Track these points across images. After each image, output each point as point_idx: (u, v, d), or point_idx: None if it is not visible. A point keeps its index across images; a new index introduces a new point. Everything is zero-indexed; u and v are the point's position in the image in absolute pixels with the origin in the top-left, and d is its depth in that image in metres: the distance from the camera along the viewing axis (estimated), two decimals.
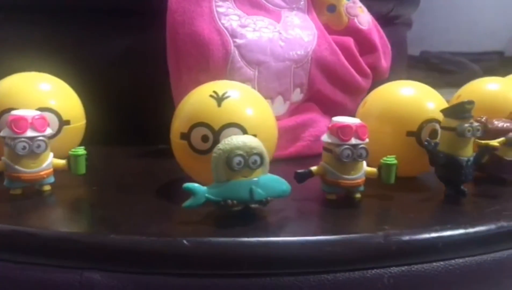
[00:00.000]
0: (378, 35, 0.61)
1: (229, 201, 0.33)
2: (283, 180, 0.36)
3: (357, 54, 0.58)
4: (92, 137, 0.49)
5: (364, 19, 0.60)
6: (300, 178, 0.38)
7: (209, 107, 0.38)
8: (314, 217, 0.37)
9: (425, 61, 1.76)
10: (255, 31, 0.53)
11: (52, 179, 0.39)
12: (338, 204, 0.39)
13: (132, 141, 0.52)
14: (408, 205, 0.39)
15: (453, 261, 0.33)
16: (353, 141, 0.38)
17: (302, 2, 0.59)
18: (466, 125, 0.39)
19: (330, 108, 0.57)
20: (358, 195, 0.39)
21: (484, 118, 0.44)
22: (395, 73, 0.85)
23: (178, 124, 0.39)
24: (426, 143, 0.39)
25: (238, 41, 0.52)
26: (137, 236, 0.31)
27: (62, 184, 0.40)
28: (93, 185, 0.42)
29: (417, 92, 0.44)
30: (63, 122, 0.44)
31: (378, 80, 0.63)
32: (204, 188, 0.33)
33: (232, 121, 0.37)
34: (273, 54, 0.52)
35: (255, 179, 0.34)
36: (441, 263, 0.33)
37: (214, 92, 0.38)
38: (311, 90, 0.55)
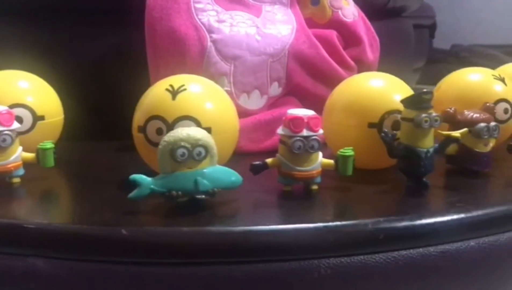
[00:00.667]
0: (364, 27, 0.61)
1: (174, 192, 0.34)
2: (232, 172, 0.36)
3: (340, 47, 0.58)
4: (74, 132, 0.51)
5: (349, 11, 0.60)
6: (255, 170, 0.39)
7: (164, 100, 0.38)
8: (264, 209, 0.37)
9: (455, 54, 1.72)
10: (232, 26, 0.54)
11: (21, 172, 0.41)
12: (294, 195, 0.39)
13: (112, 136, 0.53)
14: (365, 197, 0.39)
15: (395, 253, 0.33)
16: (305, 132, 0.38)
17: None
18: (424, 115, 0.38)
19: (312, 101, 0.56)
20: (315, 187, 0.39)
21: (452, 109, 0.43)
22: (400, 66, 0.84)
23: (137, 118, 0.40)
24: (383, 134, 0.39)
25: (215, 36, 0.53)
26: (79, 224, 0.32)
27: (33, 176, 0.42)
28: (62, 177, 0.43)
29: (381, 84, 0.43)
30: (37, 118, 0.45)
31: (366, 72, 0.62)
32: (150, 179, 0.34)
33: (185, 114, 0.38)
34: (249, 48, 0.53)
35: (201, 170, 0.35)
36: (382, 254, 0.32)
37: (171, 85, 0.39)
38: (290, 84, 0.55)
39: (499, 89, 0.48)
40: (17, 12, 0.54)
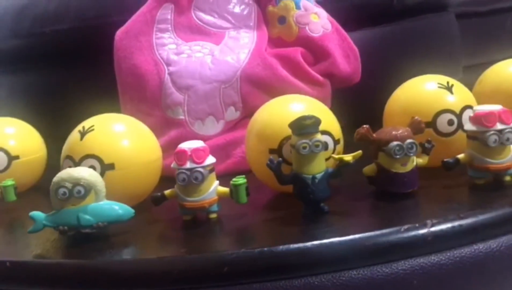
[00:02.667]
0: (338, 39, 0.59)
1: (61, 227, 0.38)
2: (121, 206, 0.39)
3: (303, 64, 0.57)
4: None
5: (317, 26, 0.58)
6: (155, 202, 0.41)
7: (74, 141, 0.43)
8: (149, 240, 0.39)
9: None
10: (189, 56, 0.57)
11: None
12: (192, 225, 0.40)
13: None
14: (252, 226, 0.39)
15: (244, 286, 0.32)
16: (188, 165, 0.39)
17: (252, 19, 0.60)
18: (301, 141, 0.37)
19: None
20: (213, 215, 0.40)
21: (365, 127, 0.41)
22: (442, 62, 0.78)
23: (60, 158, 0.45)
24: (268, 162, 0.38)
25: (171, 68, 0.56)
26: None
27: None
28: (25, 210, 0.50)
29: (285, 109, 0.43)
30: (12, 157, 0.53)
31: (347, 84, 0.60)
32: (43, 215, 0.39)
33: (89, 153, 0.42)
34: (201, 77, 0.55)
35: (84, 206, 0.38)
36: (230, 288, 0.32)
37: (83, 126, 0.44)
38: (247, 107, 0.56)
39: (442, 99, 0.44)
40: (8, 61, 0.64)
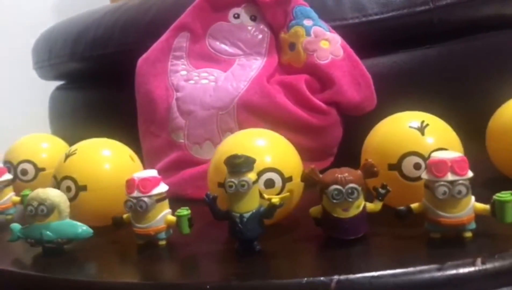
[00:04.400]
0: (348, 66, 0.57)
1: (29, 240, 0.43)
2: (82, 226, 0.43)
3: (305, 92, 0.56)
4: None
5: (325, 52, 0.57)
6: (114, 223, 0.44)
7: (60, 162, 0.48)
8: (102, 259, 0.42)
9: None
10: (196, 83, 0.59)
11: (12, 211, 0.56)
12: (143, 249, 0.43)
13: None
14: (194, 257, 0.40)
15: None
16: (135, 193, 0.41)
17: (264, 46, 0.61)
18: (229, 180, 0.37)
19: None
20: (161, 243, 0.42)
21: (310, 168, 0.39)
22: (492, 82, 0.71)
23: None
24: (205, 196, 0.39)
25: (179, 94, 0.59)
26: None
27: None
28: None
29: (241, 143, 0.43)
30: (38, 169, 0.60)
31: (358, 113, 0.58)
32: (19, 228, 0.44)
33: (67, 174, 0.46)
34: (202, 103, 0.57)
35: (47, 224, 0.43)
36: None
37: (69, 150, 0.48)
38: None
39: (410, 141, 0.41)
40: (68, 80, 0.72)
